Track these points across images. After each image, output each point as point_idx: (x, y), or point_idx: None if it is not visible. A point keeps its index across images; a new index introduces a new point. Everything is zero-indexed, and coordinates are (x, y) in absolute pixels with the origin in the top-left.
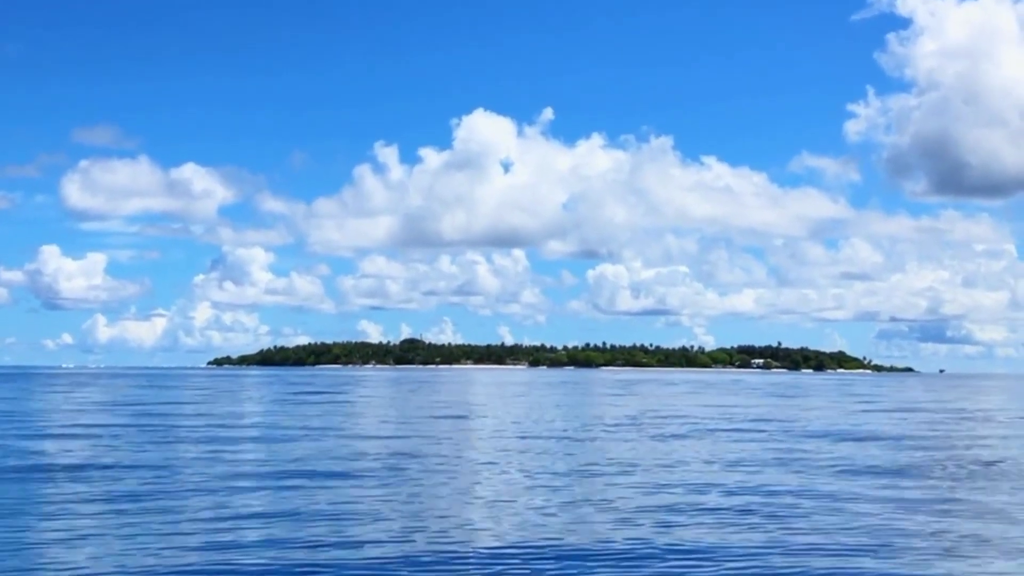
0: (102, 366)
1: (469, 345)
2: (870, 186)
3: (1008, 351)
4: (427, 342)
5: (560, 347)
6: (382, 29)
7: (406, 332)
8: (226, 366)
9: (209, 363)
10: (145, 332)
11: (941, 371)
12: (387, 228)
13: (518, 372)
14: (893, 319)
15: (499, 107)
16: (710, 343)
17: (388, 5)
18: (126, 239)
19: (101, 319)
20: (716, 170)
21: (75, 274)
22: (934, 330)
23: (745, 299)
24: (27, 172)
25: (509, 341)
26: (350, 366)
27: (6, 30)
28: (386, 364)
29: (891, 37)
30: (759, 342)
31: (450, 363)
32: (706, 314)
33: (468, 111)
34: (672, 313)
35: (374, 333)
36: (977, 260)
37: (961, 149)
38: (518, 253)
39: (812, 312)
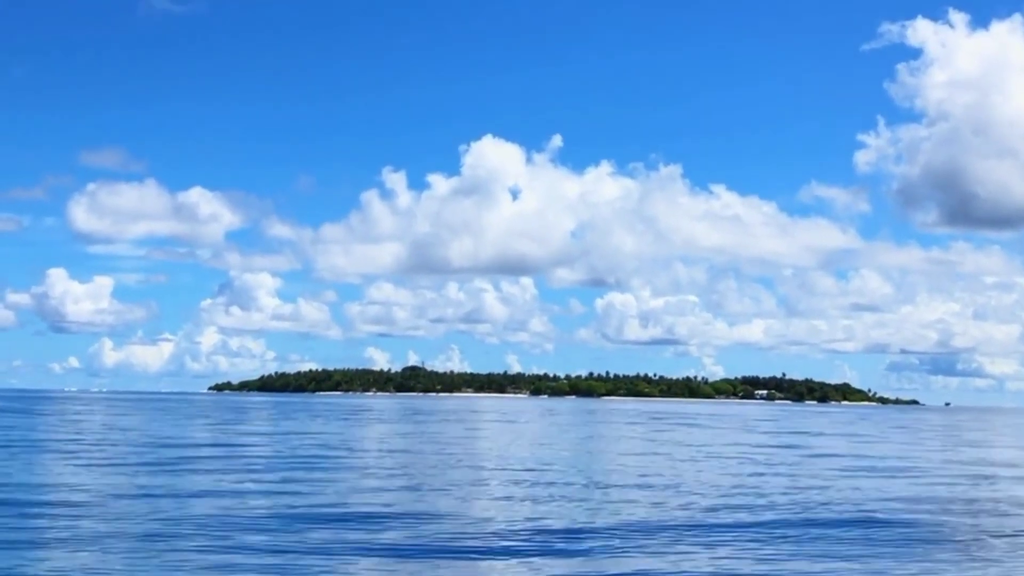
0: (104, 390)
1: (470, 373)
2: (880, 217)
3: (1019, 385)
4: (429, 370)
5: (564, 376)
6: (392, 55)
7: (413, 359)
8: (226, 391)
9: (209, 388)
10: (151, 356)
11: (947, 404)
12: (394, 254)
13: (509, 401)
14: (903, 351)
15: (508, 134)
16: (719, 373)
17: (398, 31)
18: (133, 263)
19: (108, 343)
20: (725, 199)
21: (82, 297)
22: (944, 363)
23: (754, 329)
24: (34, 195)
25: (516, 370)
26: (350, 393)
27: (13, 53)
28: (387, 391)
29: (901, 67)
30: (768, 373)
31: (451, 391)
32: (715, 344)
33: (477, 137)
34: (681, 343)
35: (381, 360)
36: (988, 293)
37: (971, 180)
38: (526, 281)
39: (822, 343)
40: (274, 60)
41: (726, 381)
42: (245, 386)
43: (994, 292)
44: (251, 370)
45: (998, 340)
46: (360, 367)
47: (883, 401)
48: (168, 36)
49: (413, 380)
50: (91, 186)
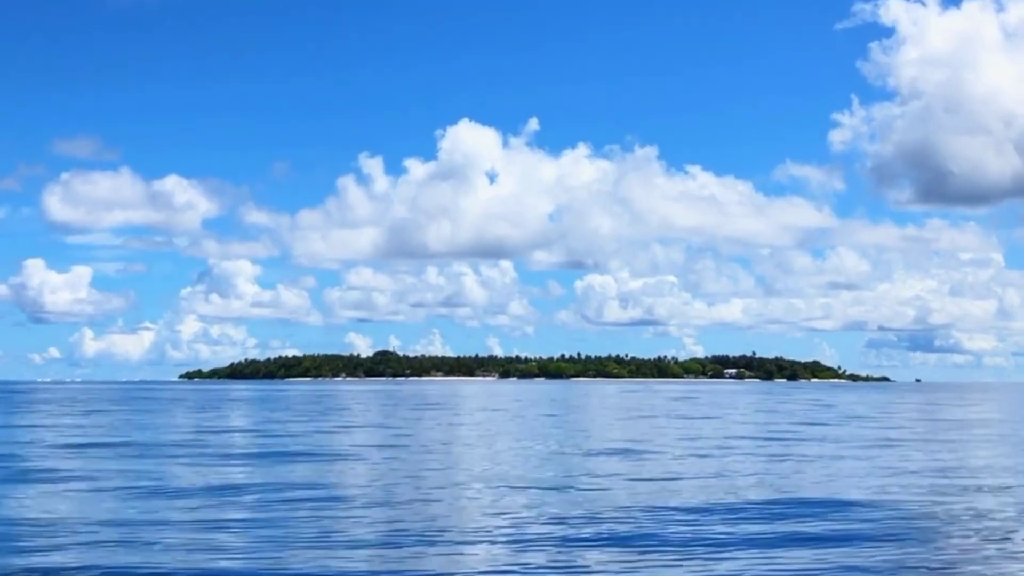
0: (79, 380)
1: (439, 357)
2: (855, 195)
3: (997, 360)
4: (400, 354)
5: (535, 358)
6: (366, 39)
7: (394, 344)
8: (197, 379)
9: (180, 376)
10: (132, 345)
11: (917, 380)
12: (372, 240)
13: (463, 384)
14: (881, 328)
15: (484, 118)
16: (698, 353)
17: (372, 15)
18: (111, 252)
19: (88, 332)
20: (701, 179)
21: (60, 287)
22: (922, 339)
23: (733, 309)
24: (7, 184)
25: (497, 353)
26: (319, 379)
27: None
28: (357, 376)
29: (874, 46)
30: (750, 353)
31: (420, 375)
32: (694, 324)
33: (453, 122)
34: (660, 323)
35: (362, 346)
36: (964, 269)
37: (945, 158)
38: (505, 264)
39: (800, 322)
40: (248, 46)
41: (695, 360)
42: (216, 373)
43: (970, 268)
44: (232, 358)
45: (975, 316)
46: (343, 353)
47: (853, 378)
48: (139, 22)
49: (383, 365)
50: (65, 175)
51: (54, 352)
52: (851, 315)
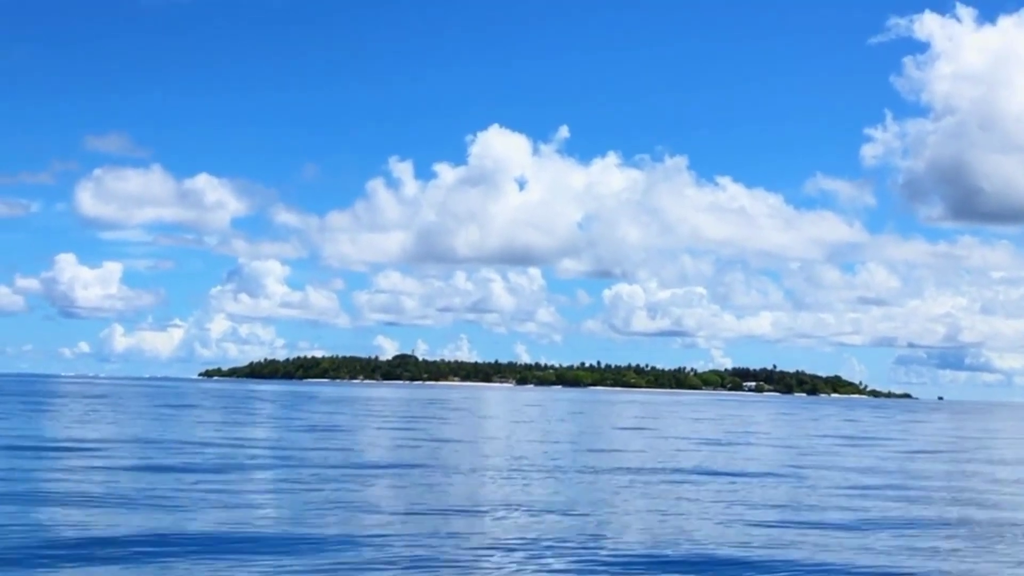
0: (102, 376)
1: (457, 362)
2: (885, 210)
3: None
4: (419, 358)
5: (555, 365)
6: (399, 44)
7: (421, 349)
8: (216, 378)
9: (199, 375)
10: (162, 342)
11: (940, 399)
12: (401, 243)
13: (467, 390)
14: (911, 345)
15: (514, 124)
16: (727, 366)
17: (405, 19)
18: (142, 249)
19: (118, 328)
20: (731, 191)
21: (91, 283)
22: (952, 357)
23: (762, 322)
24: (40, 179)
25: (526, 360)
26: (337, 381)
27: (16, 36)
28: (374, 379)
29: (908, 61)
30: (781, 367)
31: (438, 379)
32: (722, 336)
33: (483, 127)
34: (688, 335)
35: (390, 349)
36: (995, 287)
37: (977, 175)
38: (533, 271)
39: (829, 336)
40: (280, 47)
41: (715, 372)
42: (235, 372)
43: (1001, 287)
44: (260, 357)
45: (1006, 335)
46: (364, 356)
47: (875, 394)
48: (172, 22)
49: (401, 368)
50: (98, 171)
51: (84, 347)
52: (880, 331)
